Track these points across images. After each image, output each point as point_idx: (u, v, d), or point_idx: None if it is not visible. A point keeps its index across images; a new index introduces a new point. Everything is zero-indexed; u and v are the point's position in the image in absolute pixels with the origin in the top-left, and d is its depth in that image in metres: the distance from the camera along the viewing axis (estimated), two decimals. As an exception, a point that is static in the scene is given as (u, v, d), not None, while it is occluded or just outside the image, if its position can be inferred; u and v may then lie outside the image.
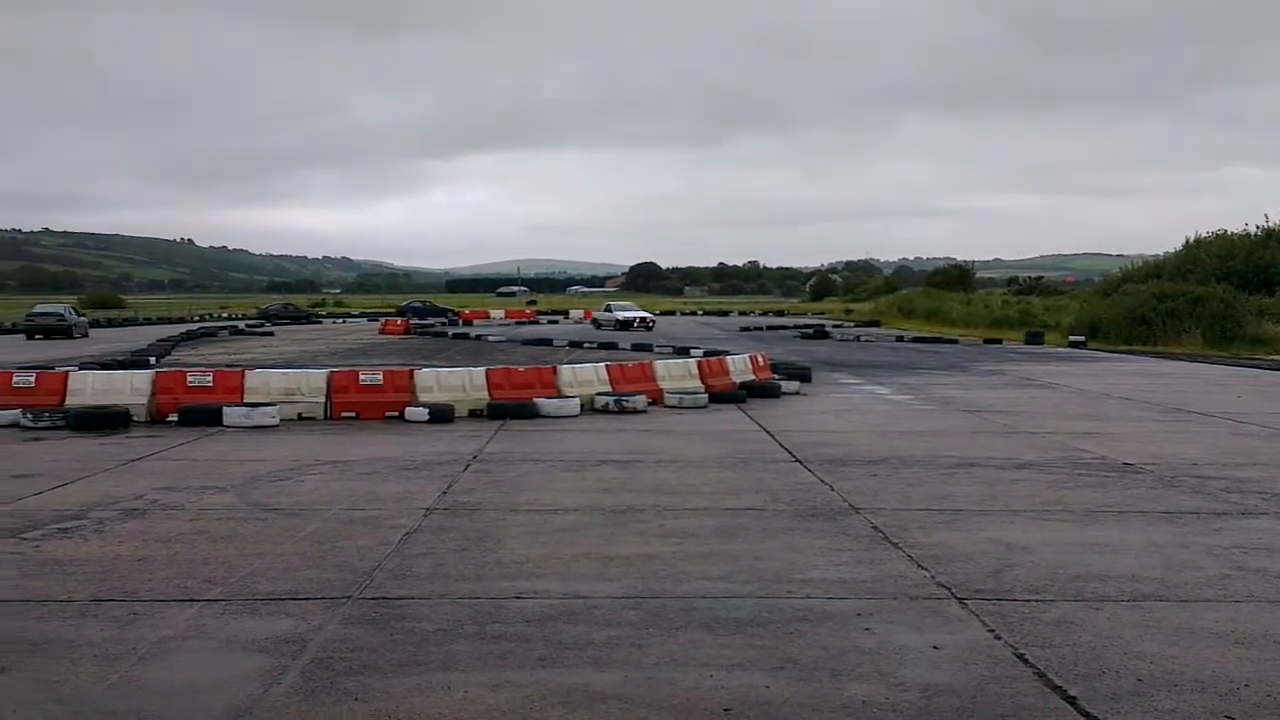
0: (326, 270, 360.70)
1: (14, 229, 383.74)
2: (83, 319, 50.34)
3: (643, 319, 57.80)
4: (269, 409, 16.62)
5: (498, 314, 76.24)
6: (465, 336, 48.27)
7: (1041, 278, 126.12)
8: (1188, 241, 56.17)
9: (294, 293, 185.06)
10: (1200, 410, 18.83)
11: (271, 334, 52.34)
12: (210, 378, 17.90)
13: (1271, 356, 34.89)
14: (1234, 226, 58.05)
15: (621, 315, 58.64)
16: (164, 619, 6.68)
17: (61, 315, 47.31)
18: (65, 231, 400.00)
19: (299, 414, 17.27)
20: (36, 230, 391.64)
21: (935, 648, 6.18)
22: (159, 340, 40.28)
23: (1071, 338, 42.72)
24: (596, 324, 61.17)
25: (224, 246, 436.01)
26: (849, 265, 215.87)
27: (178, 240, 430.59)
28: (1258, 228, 54.56)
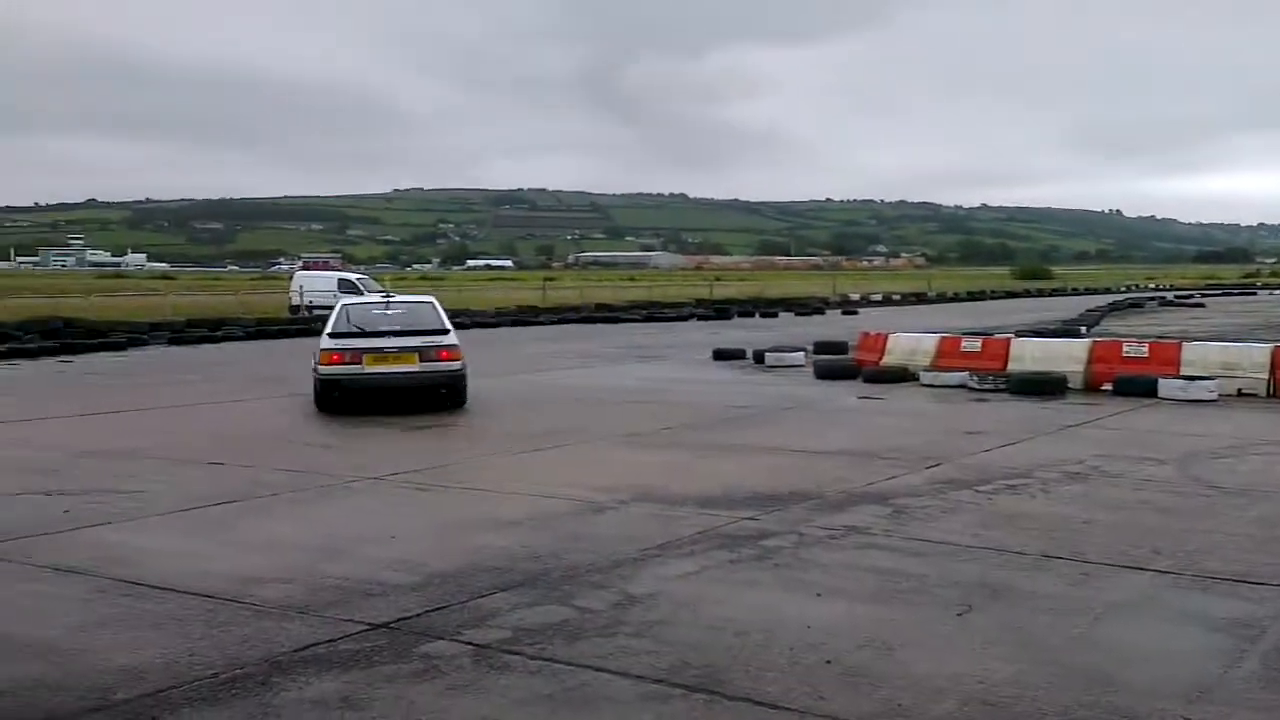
0: (1261, 238, 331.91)
1: (955, 205, 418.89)
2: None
3: None
4: (1206, 383, 15.93)
5: None
6: None
7: None
8: None
9: (1223, 262, 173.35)
10: None
11: (1202, 305, 49.93)
12: (1145, 348, 17.68)
13: None
14: None
15: None
16: (1113, 583, 6.82)
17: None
18: (1000, 206, 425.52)
19: (1238, 390, 16.30)
20: (975, 206, 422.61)
21: None
22: (1086, 310, 40.77)
23: None
24: None
25: (1151, 216, 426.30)
26: None
27: (1105, 211, 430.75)
28: None
